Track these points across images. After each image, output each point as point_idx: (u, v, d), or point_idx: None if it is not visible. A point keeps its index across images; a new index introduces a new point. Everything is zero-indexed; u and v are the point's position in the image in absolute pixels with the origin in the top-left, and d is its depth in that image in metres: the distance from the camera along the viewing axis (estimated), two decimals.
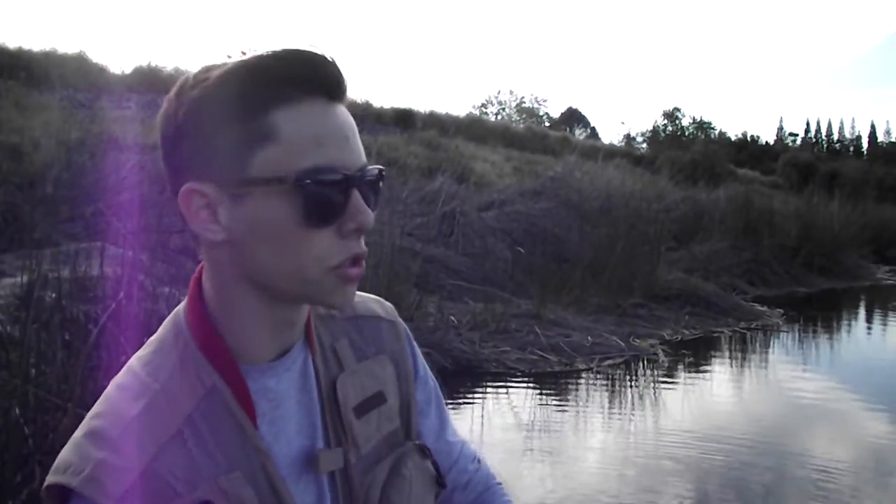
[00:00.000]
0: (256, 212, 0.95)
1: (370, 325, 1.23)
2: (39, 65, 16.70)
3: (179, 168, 0.98)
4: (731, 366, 8.15)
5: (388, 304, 1.30)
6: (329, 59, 0.98)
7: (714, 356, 8.50)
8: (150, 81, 17.59)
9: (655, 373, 7.40)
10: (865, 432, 5.96)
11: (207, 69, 0.98)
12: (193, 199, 0.97)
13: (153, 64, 20.07)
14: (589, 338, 7.92)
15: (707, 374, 7.65)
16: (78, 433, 0.97)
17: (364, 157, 1.01)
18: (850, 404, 6.71)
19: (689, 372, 7.65)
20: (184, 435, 0.96)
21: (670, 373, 7.48)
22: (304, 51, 0.97)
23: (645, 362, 7.65)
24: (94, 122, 12.66)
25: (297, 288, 1.00)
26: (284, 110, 0.94)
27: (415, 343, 1.30)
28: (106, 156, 9.71)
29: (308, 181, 0.93)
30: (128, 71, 19.34)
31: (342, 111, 1.00)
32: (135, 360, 1.04)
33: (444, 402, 1.35)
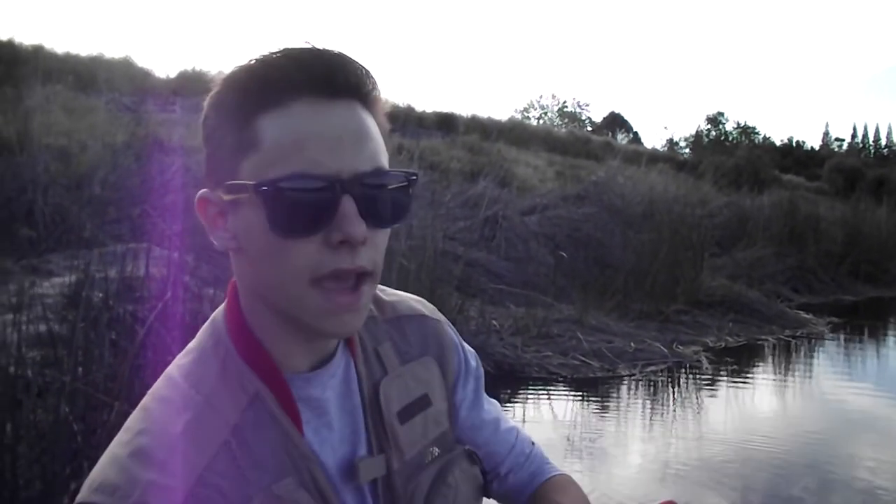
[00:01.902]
0: (245, 220, 0.93)
1: (413, 326, 1.19)
2: (87, 69, 16.96)
3: (205, 174, 0.98)
4: (776, 374, 8.05)
5: (429, 303, 1.28)
6: (324, 54, 0.94)
7: (758, 364, 8.40)
8: (194, 85, 17.76)
9: (698, 380, 7.33)
10: None
11: (225, 75, 0.97)
12: (207, 206, 0.97)
13: (197, 68, 20.30)
14: (631, 344, 7.87)
15: (751, 382, 7.56)
16: (120, 450, 0.93)
17: (372, 161, 0.94)
18: None
19: (733, 380, 7.56)
20: (231, 446, 0.94)
21: (713, 380, 7.40)
22: (294, 49, 0.94)
23: (688, 369, 7.58)
24: (139, 125, 12.81)
25: (287, 306, 0.95)
26: (270, 115, 0.91)
27: (460, 338, 1.27)
28: (151, 158, 9.81)
29: (268, 188, 0.89)
30: (172, 75, 19.63)
31: (342, 111, 0.93)
32: (175, 370, 1.02)
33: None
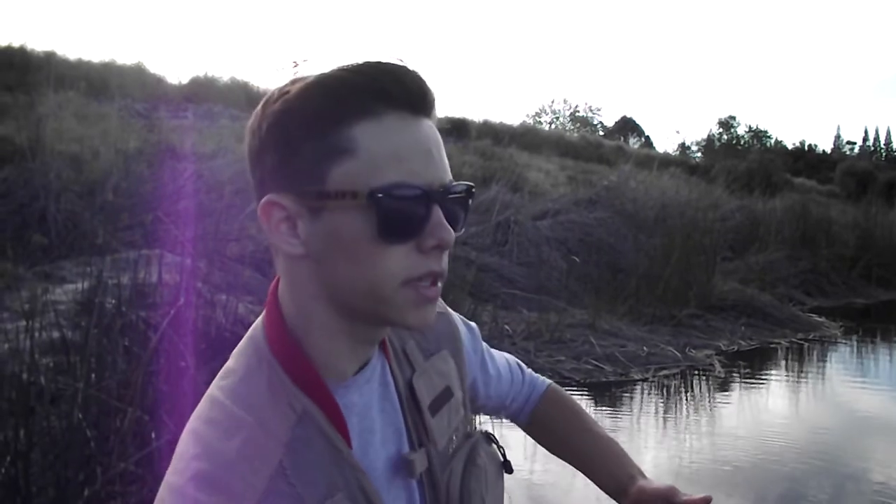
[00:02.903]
0: (333, 226, 0.95)
1: None
2: (99, 75, 17.03)
3: (262, 180, 0.99)
4: (789, 378, 8.02)
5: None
6: (413, 72, 0.98)
7: (771, 368, 8.36)
8: (206, 91, 17.85)
9: (711, 384, 7.31)
10: None
11: (291, 82, 0.98)
12: (273, 211, 0.97)
13: (209, 74, 20.34)
14: (644, 348, 7.85)
15: (764, 386, 7.53)
16: (178, 479, 0.93)
17: (449, 174, 1.00)
18: None
19: (746, 383, 7.54)
20: (284, 466, 0.94)
21: (727, 384, 7.38)
22: (387, 63, 0.97)
23: (701, 373, 7.56)
24: (151, 131, 12.84)
25: (372, 306, 0.98)
26: (364, 124, 0.94)
27: (461, 323, 1.35)
28: (163, 164, 9.83)
29: (383, 195, 0.92)
30: (185, 81, 19.64)
31: (427, 126, 0.99)
32: (218, 392, 1.01)
33: (491, 352, 1.45)
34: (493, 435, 1.28)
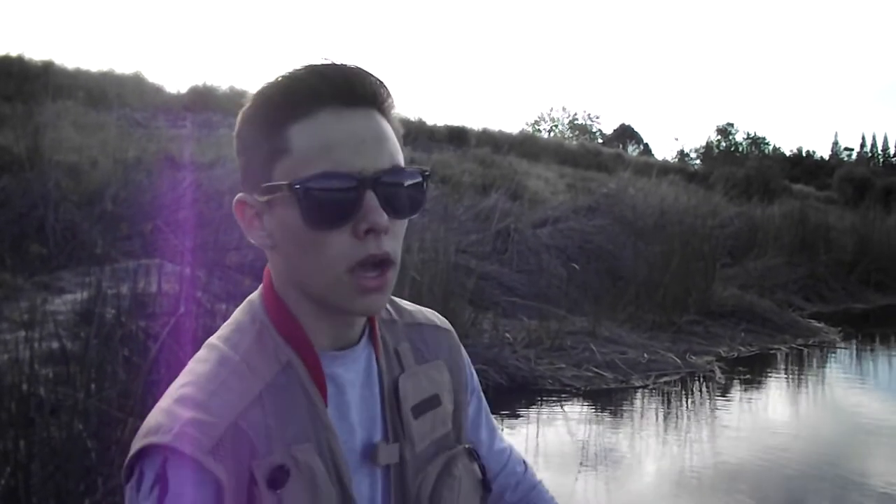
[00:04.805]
0: (279, 218, 1.03)
1: (429, 333, 1.29)
2: (97, 85, 17.05)
3: (241, 181, 1.09)
4: (789, 383, 8.01)
5: (442, 317, 1.37)
6: (343, 67, 1.04)
7: (771, 373, 8.36)
8: (204, 101, 17.86)
9: (712, 390, 7.30)
10: None
11: (257, 90, 1.07)
12: (244, 208, 1.08)
13: (208, 83, 20.34)
14: (644, 355, 7.84)
15: (765, 392, 7.52)
16: (163, 402, 1.03)
17: (391, 160, 1.04)
18: None
19: (747, 389, 7.53)
20: (262, 401, 1.02)
21: (727, 390, 7.37)
22: (318, 64, 1.04)
23: (701, 379, 7.55)
24: (150, 140, 12.85)
25: (323, 291, 1.05)
26: (298, 124, 1.01)
27: (465, 351, 1.36)
28: (162, 174, 9.83)
29: (301, 185, 0.99)
30: (183, 90, 19.64)
31: (363, 117, 1.04)
32: (213, 339, 1.12)
33: (489, 412, 1.42)
34: (475, 452, 1.28)
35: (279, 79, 1.05)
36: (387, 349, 1.19)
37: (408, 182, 1.07)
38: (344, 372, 1.11)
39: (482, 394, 1.40)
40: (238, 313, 1.16)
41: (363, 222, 1.00)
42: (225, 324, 1.15)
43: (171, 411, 1.00)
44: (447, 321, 1.36)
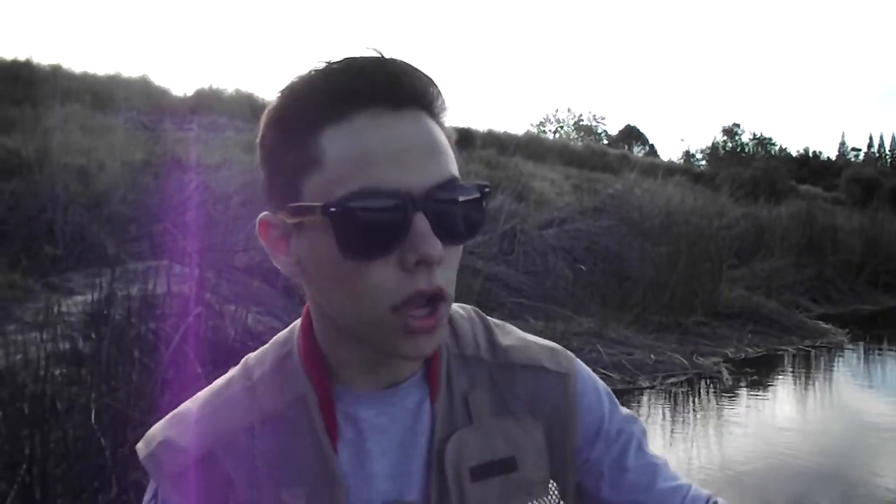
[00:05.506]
0: (312, 244, 0.88)
1: (528, 378, 1.04)
2: (104, 88, 17.08)
3: (263, 197, 0.93)
4: (796, 385, 8.01)
5: (562, 351, 1.11)
6: (387, 61, 0.87)
7: (779, 375, 8.36)
8: (210, 103, 17.88)
9: (719, 391, 7.31)
10: None
11: (284, 88, 0.90)
12: (268, 230, 0.93)
13: (214, 86, 20.38)
14: (651, 356, 7.86)
15: (772, 393, 7.53)
16: (169, 414, 0.99)
17: (443, 173, 0.87)
18: None
19: (754, 391, 7.53)
20: (253, 434, 0.93)
21: (734, 391, 7.37)
22: (356, 58, 0.87)
23: (708, 380, 7.57)
24: (157, 143, 12.86)
25: (360, 330, 0.90)
26: (331, 130, 0.85)
27: (599, 392, 1.09)
28: (170, 176, 9.86)
29: (337, 208, 0.83)
30: (189, 93, 19.67)
31: (409, 121, 0.87)
32: (250, 355, 1.03)
33: (646, 447, 1.10)
34: None
35: (313, 74, 0.87)
36: (451, 394, 0.99)
37: (464, 198, 0.88)
38: (372, 415, 0.95)
39: (634, 428, 1.09)
40: (282, 333, 1.04)
41: (412, 252, 0.83)
42: (271, 340, 1.04)
43: (160, 426, 0.97)
44: (567, 358, 1.10)
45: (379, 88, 0.85)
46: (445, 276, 0.88)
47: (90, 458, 3.24)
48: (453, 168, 0.89)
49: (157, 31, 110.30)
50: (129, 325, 4.22)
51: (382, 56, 0.88)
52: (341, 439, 0.94)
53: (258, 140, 0.92)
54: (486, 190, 0.91)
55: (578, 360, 1.11)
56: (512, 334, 1.10)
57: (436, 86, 0.90)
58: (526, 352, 1.06)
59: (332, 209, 0.82)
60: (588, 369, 1.11)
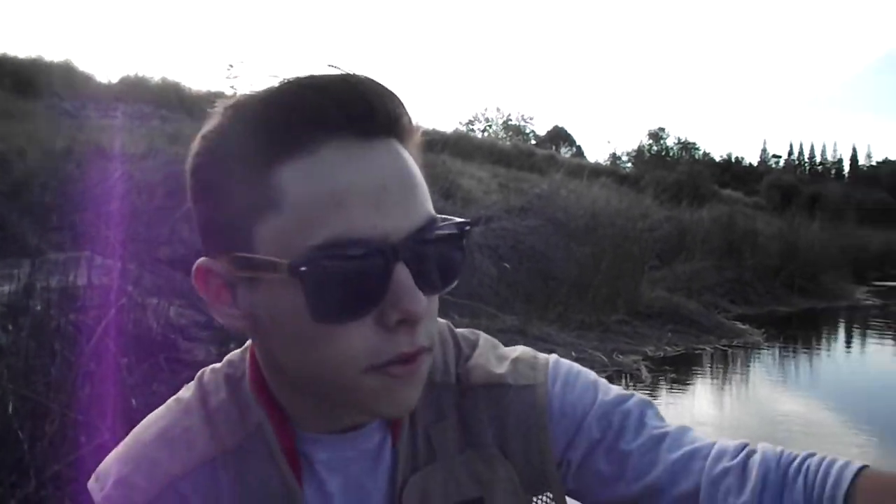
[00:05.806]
0: (269, 301, 0.74)
1: (491, 400, 0.92)
2: (25, 72, 16.65)
3: (200, 235, 0.79)
4: (713, 382, 8.20)
5: (528, 359, 0.96)
6: (350, 79, 0.73)
7: (696, 373, 8.54)
8: (136, 91, 17.54)
9: (638, 388, 7.40)
10: (847, 452, 6.00)
11: (227, 106, 0.76)
12: (208, 277, 0.78)
13: (140, 74, 20.01)
14: (573, 353, 7.94)
15: (690, 390, 7.69)
16: (119, 447, 0.88)
17: (422, 214, 0.75)
18: (831, 423, 6.77)
19: (672, 388, 7.68)
20: (216, 466, 0.83)
21: (653, 389, 7.51)
22: (314, 77, 0.73)
23: (628, 378, 7.69)
24: (80, 130, 12.61)
25: (333, 393, 0.78)
26: (292, 164, 0.71)
27: (577, 388, 0.94)
28: (93, 165, 9.68)
29: (319, 266, 0.69)
30: (114, 80, 19.26)
31: (382, 152, 0.74)
32: (203, 375, 0.91)
33: (648, 419, 0.93)
34: None
35: (262, 94, 0.73)
36: (414, 430, 0.89)
37: (445, 241, 0.77)
38: (329, 458, 0.85)
39: (628, 410, 0.92)
40: (236, 352, 0.91)
41: (393, 310, 0.71)
42: (223, 360, 0.92)
43: (111, 462, 0.86)
44: (535, 362, 0.96)
45: (349, 115, 0.72)
46: (427, 330, 0.77)
47: (7, 451, 3.19)
48: (429, 205, 0.77)
49: (82, 15, 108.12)
50: (48, 316, 4.15)
51: (348, 74, 0.74)
52: (304, 473, 0.85)
53: (189, 167, 0.78)
54: (467, 228, 0.79)
55: (554, 359, 0.98)
56: (477, 349, 0.98)
57: (405, 108, 0.77)
58: (487, 369, 0.94)
59: (303, 268, 0.69)
60: (567, 365, 0.98)
